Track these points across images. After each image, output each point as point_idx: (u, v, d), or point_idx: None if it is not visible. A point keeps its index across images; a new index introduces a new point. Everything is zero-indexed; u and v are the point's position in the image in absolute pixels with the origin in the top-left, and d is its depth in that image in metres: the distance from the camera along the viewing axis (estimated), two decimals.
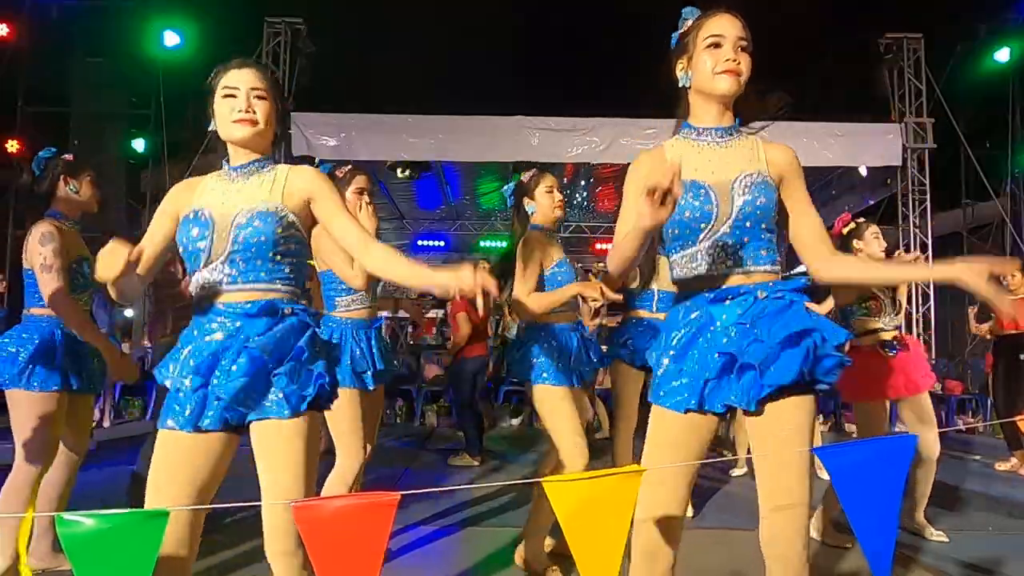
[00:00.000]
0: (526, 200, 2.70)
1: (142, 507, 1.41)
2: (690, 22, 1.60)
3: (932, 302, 8.73)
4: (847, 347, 3.23)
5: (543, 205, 2.69)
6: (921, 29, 8.73)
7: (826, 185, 9.99)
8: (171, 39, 8.70)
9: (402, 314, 8.71)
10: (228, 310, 1.52)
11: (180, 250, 1.59)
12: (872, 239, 3.22)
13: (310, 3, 9.12)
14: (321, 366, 1.54)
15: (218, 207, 1.57)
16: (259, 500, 1.49)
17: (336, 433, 2.56)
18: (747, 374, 1.44)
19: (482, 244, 12.01)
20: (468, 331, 5.55)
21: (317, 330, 1.59)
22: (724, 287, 1.52)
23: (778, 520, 1.45)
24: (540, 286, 2.59)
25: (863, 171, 8.90)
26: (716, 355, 1.46)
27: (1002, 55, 8.93)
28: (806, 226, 1.59)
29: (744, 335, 1.46)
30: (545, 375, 2.53)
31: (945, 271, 1.44)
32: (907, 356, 3.17)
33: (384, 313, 8.25)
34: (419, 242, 12.50)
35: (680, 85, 1.62)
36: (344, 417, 2.54)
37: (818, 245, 1.58)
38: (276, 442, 1.49)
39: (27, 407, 2.42)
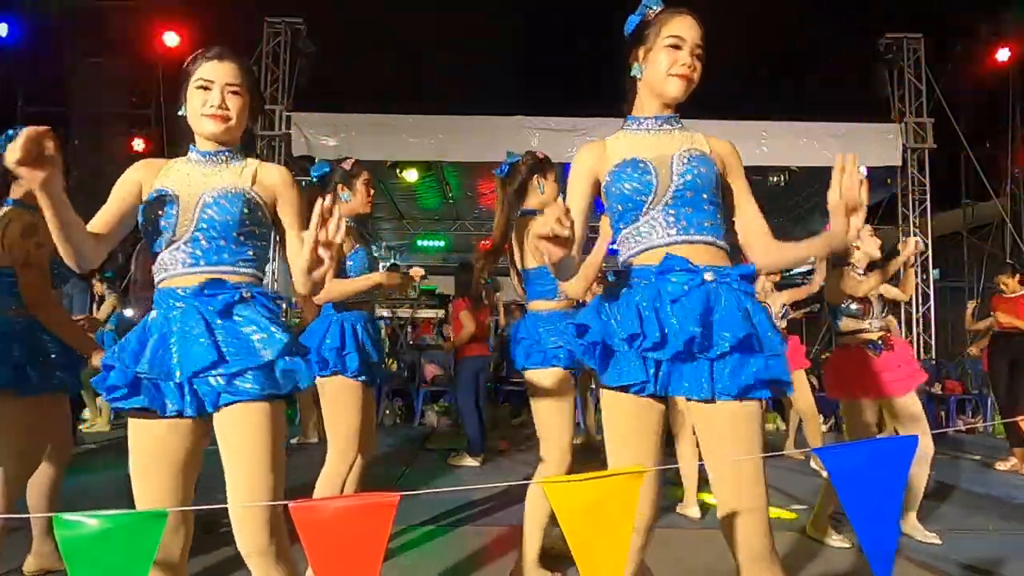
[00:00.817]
0: (538, 178, 2.58)
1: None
2: (652, 14, 1.60)
3: (932, 302, 8.73)
4: (834, 346, 3.27)
5: (552, 190, 2.60)
6: (921, 29, 8.73)
7: (826, 185, 9.97)
8: (171, 39, 8.70)
9: (402, 314, 8.73)
10: (188, 295, 1.48)
11: (143, 231, 1.54)
12: (867, 236, 3.24)
13: (310, 3, 9.12)
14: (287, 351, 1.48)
15: (184, 187, 1.54)
16: (254, 501, 1.47)
17: (333, 425, 2.50)
18: (729, 363, 1.44)
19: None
20: (473, 328, 5.49)
21: (274, 311, 1.55)
22: (669, 258, 1.50)
23: (748, 522, 1.45)
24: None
25: (863, 171, 8.85)
26: (679, 338, 1.43)
27: (1002, 55, 8.93)
28: (745, 216, 1.64)
29: (699, 316, 1.44)
30: (544, 358, 2.45)
31: (819, 245, 1.55)
32: (892, 356, 3.17)
33: (384, 313, 8.28)
34: (419, 242, 12.48)
35: (631, 75, 1.64)
36: (344, 408, 2.49)
37: (757, 234, 1.62)
38: (242, 428, 1.45)
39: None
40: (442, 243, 12.53)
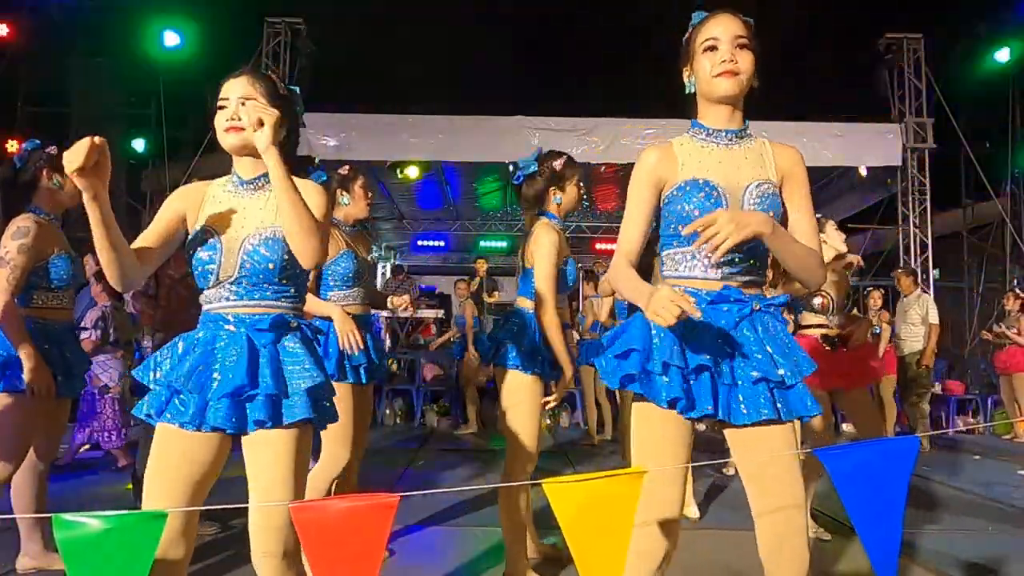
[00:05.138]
0: (554, 190, 2.53)
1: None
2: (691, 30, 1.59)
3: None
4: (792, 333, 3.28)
5: (571, 199, 2.56)
6: (921, 29, 8.73)
7: (826, 185, 9.97)
8: (171, 39, 8.68)
9: (401, 313, 8.72)
10: (237, 321, 1.55)
11: (192, 267, 1.60)
12: (832, 232, 3.25)
13: (310, 3, 9.12)
14: (320, 379, 1.56)
15: (225, 229, 1.57)
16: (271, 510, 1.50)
17: (328, 429, 2.51)
18: (778, 392, 1.48)
19: (481, 244, 11.99)
20: None
21: (318, 345, 1.65)
22: (719, 291, 1.51)
23: (781, 520, 1.45)
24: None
25: (863, 171, 8.89)
26: (732, 365, 1.47)
27: (1002, 55, 8.92)
28: (798, 229, 1.57)
29: (750, 347, 1.47)
30: (515, 361, 2.45)
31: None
32: (847, 356, 3.18)
33: (384, 313, 8.28)
34: (419, 242, 12.47)
35: (687, 92, 1.61)
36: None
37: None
38: (267, 451, 1.51)
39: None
40: (442, 243, 12.51)
